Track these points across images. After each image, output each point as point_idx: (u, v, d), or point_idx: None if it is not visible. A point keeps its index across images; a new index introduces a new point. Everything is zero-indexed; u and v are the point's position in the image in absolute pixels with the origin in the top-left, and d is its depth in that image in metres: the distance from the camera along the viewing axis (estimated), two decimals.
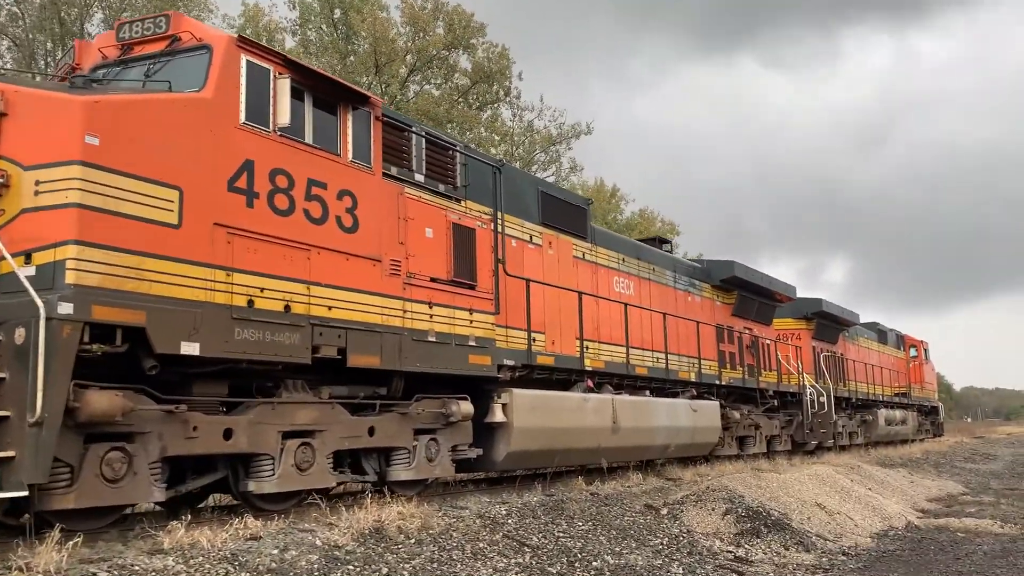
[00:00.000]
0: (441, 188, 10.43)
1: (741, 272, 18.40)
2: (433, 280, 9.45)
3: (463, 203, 10.77)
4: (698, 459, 16.28)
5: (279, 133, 7.75)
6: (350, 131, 8.62)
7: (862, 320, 31.10)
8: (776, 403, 19.28)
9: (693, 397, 15.17)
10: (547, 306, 12.26)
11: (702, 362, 16.13)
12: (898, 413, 30.44)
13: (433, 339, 9.32)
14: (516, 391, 10.57)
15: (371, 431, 8.79)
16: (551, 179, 44.91)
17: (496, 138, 42.26)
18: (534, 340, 11.71)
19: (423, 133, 10.29)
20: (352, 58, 36.45)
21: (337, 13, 37.45)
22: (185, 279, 6.75)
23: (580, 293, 12.52)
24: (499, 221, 10.91)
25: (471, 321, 9.95)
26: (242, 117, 7.43)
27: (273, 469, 7.68)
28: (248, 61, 7.59)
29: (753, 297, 19.39)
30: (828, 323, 24.75)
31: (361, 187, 8.61)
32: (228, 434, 7.27)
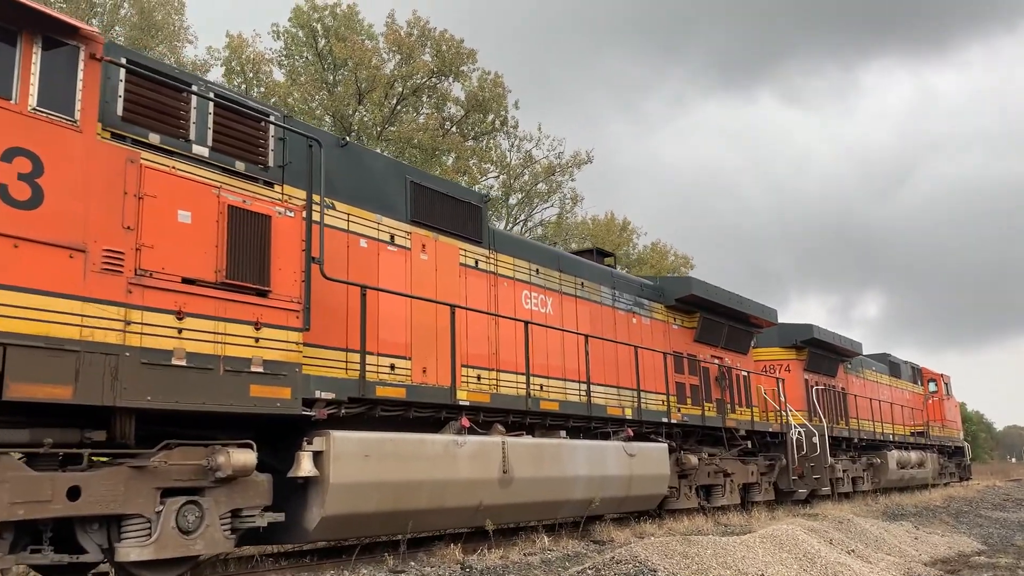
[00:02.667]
0: (240, 167, 7.93)
1: (700, 290, 15.64)
2: (188, 281, 6.88)
3: (277, 188, 8.25)
4: (643, 515, 13.42)
5: None
6: (37, 70, 6.14)
7: (871, 351, 28.04)
8: (749, 444, 16.34)
9: (630, 438, 12.36)
10: (415, 324, 9.64)
11: (644, 396, 13.32)
12: (914, 455, 27.12)
13: (183, 362, 6.72)
14: (336, 434, 7.91)
15: (73, 493, 6.17)
16: (553, 211, 42.65)
17: (491, 168, 40.20)
18: (383, 367, 9.08)
19: (209, 95, 7.81)
20: (340, 88, 34.58)
21: (322, 42, 35.61)
22: None
23: (453, 307, 9.86)
24: (315, 209, 8.28)
25: (257, 339, 7.33)
26: None
27: None
28: None
29: (720, 321, 16.59)
30: (823, 353, 21.78)
31: (52, 148, 6.10)
32: None
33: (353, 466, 7.99)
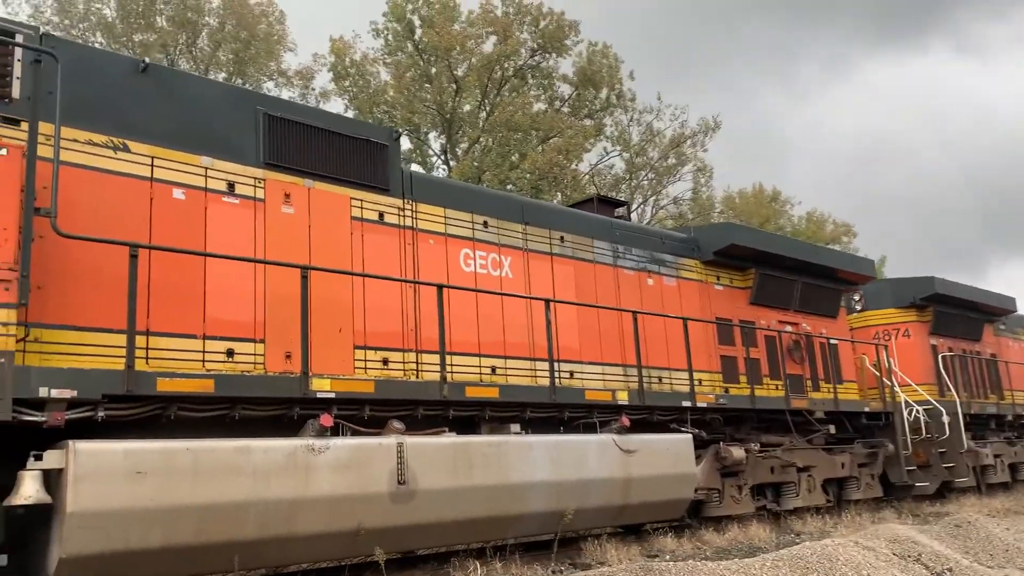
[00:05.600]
0: None
1: (746, 239, 12.44)
2: None
3: (25, 125, 6.25)
4: (669, 525, 10.50)
5: None
6: None
7: None
8: (832, 429, 12.87)
9: (625, 429, 9.50)
10: (270, 297, 7.41)
11: (670, 375, 10.40)
12: None
13: None
14: (81, 445, 5.76)
15: None
16: (685, 186, 39.34)
17: (610, 146, 37.48)
18: (215, 353, 6.90)
19: None
20: (438, 80, 33.07)
21: (419, 33, 34.13)
22: None
23: (304, 269, 7.44)
24: (51, 144, 6.19)
25: None
26: None
27: None
28: None
29: (787, 277, 13.24)
30: (957, 312, 17.60)
31: None
32: None
33: (113, 488, 5.82)
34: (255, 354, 7.27)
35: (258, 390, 6.88)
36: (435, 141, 35.38)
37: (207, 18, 32.54)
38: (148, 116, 7.07)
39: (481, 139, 33.51)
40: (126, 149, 6.87)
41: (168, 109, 7.23)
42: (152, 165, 7.01)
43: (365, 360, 7.97)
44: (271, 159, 7.79)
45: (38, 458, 5.68)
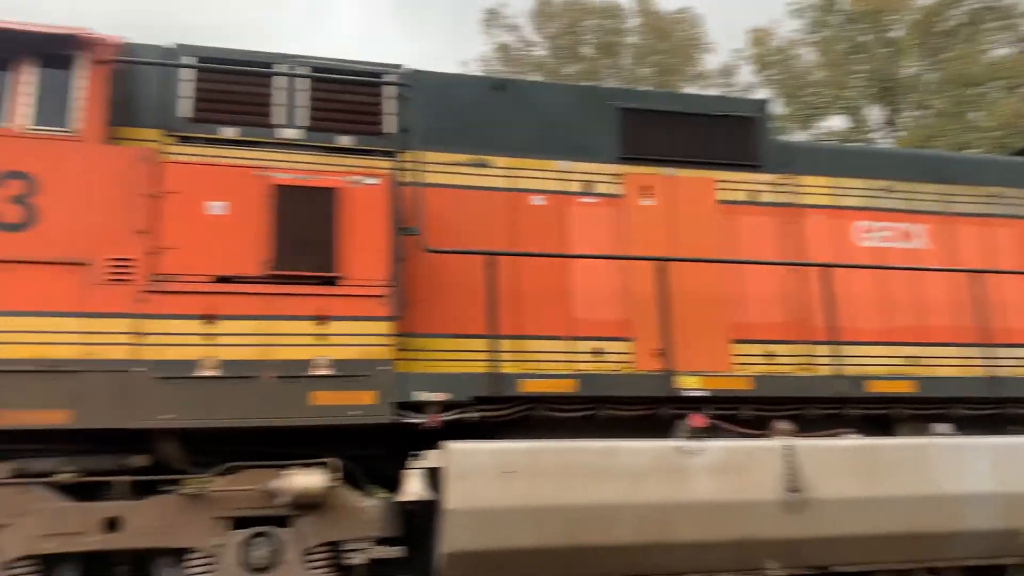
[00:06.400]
0: (346, 142, 6.92)
1: None
2: (223, 280, 6.01)
3: (403, 155, 6.94)
4: None
5: None
6: (32, 90, 6.04)
7: None
8: None
9: None
10: (635, 293, 7.19)
11: None
12: None
13: (213, 372, 5.83)
14: (455, 445, 6.08)
15: (111, 523, 5.74)
16: None
17: None
18: (581, 353, 6.89)
19: (295, 70, 6.94)
20: (876, 46, 30.65)
21: (842, 4, 32.00)
22: None
23: (660, 261, 6.97)
24: (422, 168, 6.65)
25: (322, 335, 6.05)
26: None
27: None
28: None
29: None
30: None
31: (51, 163, 5.88)
32: None
33: (486, 487, 6.03)
34: (624, 352, 7.06)
35: (621, 389, 6.64)
36: (874, 114, 32.17)
37: (628, 38, 33.82)
38: (505, 130, 7.32)
39: (927, 103, 29.59)
40: (487, 165, 7.19)
41: (524, 120, 7.41)
42: (511, 176, 7.24)
43: (745, 355, 7.28)
44: (628, 153, 7.56)
45: (420, 458, 6.11)
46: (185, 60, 6.75)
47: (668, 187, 7.58)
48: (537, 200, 7.23)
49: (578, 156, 7.44)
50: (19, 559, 5.56)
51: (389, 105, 7.07)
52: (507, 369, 6.47)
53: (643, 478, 6.32)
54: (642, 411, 6.72)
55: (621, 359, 7.03)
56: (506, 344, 6.61)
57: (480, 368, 6.43)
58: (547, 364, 6.79)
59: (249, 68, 6.84)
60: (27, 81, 6.02)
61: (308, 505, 5.98)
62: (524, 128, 7.37)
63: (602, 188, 7.44)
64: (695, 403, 6.70)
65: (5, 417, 5.45)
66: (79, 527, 5.66)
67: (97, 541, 5.69)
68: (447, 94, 7.26)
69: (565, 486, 6.17)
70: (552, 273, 7.07)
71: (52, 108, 6.02)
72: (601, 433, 6.49)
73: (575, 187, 7.38)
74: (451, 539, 5.96)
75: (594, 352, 7.01)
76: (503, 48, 33.37)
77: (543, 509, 6.12)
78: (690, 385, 6.71)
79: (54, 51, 6.08)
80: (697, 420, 6.59)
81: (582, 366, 6.89)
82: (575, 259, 7.13)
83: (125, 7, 34.23)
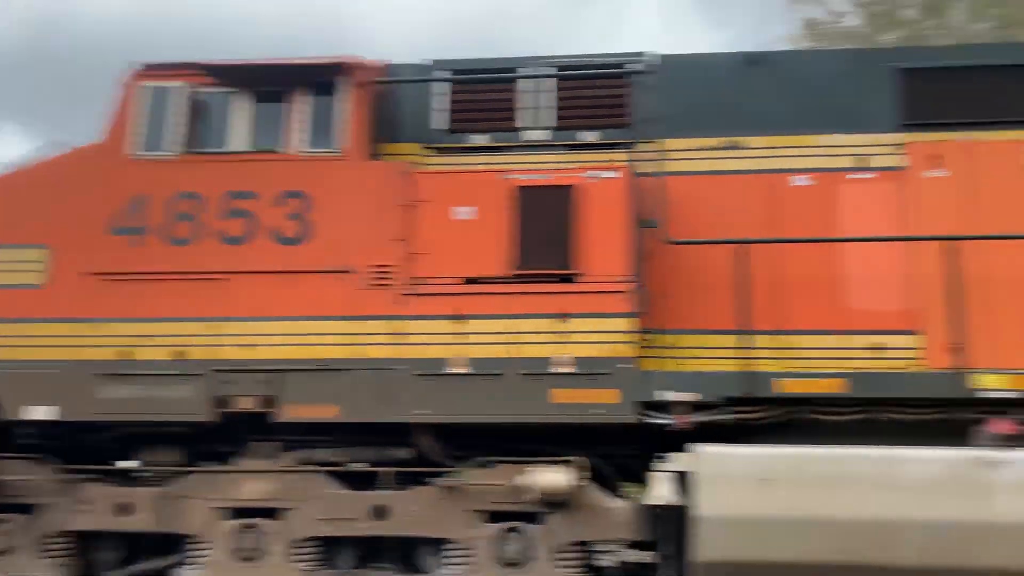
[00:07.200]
0: (591, 137, 6.89)
1: None
2: (471, 281, 6.20)
3: (643, 146, 6.74)
4: None
5: (184, 152, 6.68)
6: (306, 117, 6.69)
7: None
8: None
9: None
10: (914, 279, 6.29)
11: None
12: None
13: (463, 369, 6.04)
14: (706, 449, 5.71)
15: (379, 512, 6.18)
16: None
17: None
18: (853, 348, 6.17)
19: (537, 71, 7.00)
20: None
21: None
22: (44, 339, 6.44)
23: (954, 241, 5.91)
24: (667, 157, 6.29)
25: (564, 332, 5.99)
26: (134, 149, 6.73)
27: (211, 555, 6.24)
28: (147, 87, 6.85)
29: None
30: None
31: (322, 182, 6.50)
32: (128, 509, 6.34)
33: (741, 494, 5.58)
34: (909, 347, 6.17)
35: (900, 389, 5.79)
36: None
37: None
38: (761, 107, 6.75)
39: None
40: (738, 147, 6.70)
41: (783, 94, 6.78)
42: (768, 156, 6.66)
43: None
44: (911, 119, 6.60)
45: (667, 460, 5.82)
46: (439, 74, 7.08)
47: (964, 154, 6.49)
48: (800, 180, 6.58)
49: (849, 127, 6.65)
50: (304, 540, 6.16)
51: (632, 95, 6.85)
52: (763, 367, 5.94)
53: (934, 492, 5.47)
54: (932, 414, 5.81)
55: (906, 355, 6.15)
56: (763, 340, 6.06)
57: (732, 366, 5.98)
58: (814, 362, 6.13)
59: (498, 75, 7.01)
60: (300, 109, 6.69)
61: (557, 503, 5.96)
62: (783, 102, 6.74)
63: (879, 161, 6.57)
64: (999, 406, 5.66)
65: (291, 411, 6.09)
66: (352, 513, 6.15)
67: (367, 527, 6.14)
68: (696, 76, 6.87)
69: (837, 497, 5.53)
70: (820, 260, 6.39)
71: (321, 131, 6.62)
72: (877, 440, 5.71)
73: (845, 162, 6.61)
74: (706, 548, 5.59)
75: (872, 348, 6.21)
76: (811, 24, 31.30)
77: (810, 521, 5.53)
78: (991, 384, 5.67)
79: (322, 79, 6.68)
80: (1002, 426, 5.55)
81: (857, 363, 6.13)
82: (848, 243, 6.37)
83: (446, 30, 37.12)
